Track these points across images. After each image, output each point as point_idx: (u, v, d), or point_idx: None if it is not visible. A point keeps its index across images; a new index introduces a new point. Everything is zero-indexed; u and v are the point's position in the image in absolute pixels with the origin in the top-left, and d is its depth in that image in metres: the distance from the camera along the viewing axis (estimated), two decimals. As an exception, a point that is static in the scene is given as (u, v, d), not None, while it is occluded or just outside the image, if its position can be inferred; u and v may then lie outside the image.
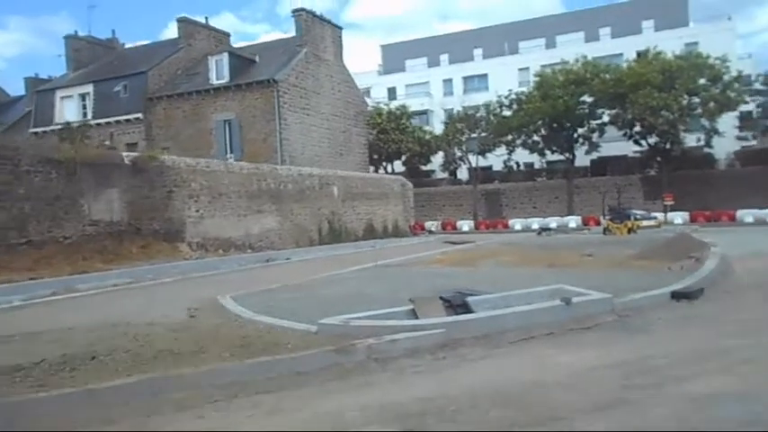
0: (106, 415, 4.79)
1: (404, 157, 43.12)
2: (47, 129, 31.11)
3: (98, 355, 6.19)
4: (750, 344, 6.80)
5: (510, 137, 39.04)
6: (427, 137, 43.18)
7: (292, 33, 27.96)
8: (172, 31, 47.03)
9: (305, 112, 27.26)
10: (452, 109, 43.08)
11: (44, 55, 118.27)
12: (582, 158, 42.24)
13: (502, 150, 41.29)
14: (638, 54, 37.12)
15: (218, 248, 17.99)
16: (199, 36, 31.08)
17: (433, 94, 51.52)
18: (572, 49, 43.05)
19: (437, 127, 45.24)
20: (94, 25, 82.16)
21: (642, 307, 8.99)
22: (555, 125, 37.41)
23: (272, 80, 25.53)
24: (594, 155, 43.00)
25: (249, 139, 26.15)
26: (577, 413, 4.56)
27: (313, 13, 28.06)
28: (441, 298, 7.97)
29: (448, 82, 51.80)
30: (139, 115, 28.91)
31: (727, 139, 36.99)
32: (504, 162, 42.65)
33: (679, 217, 33.37)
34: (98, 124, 30.23)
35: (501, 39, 50.47)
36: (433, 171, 47.35)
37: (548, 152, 40.00)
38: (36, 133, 31.88)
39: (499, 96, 40.89)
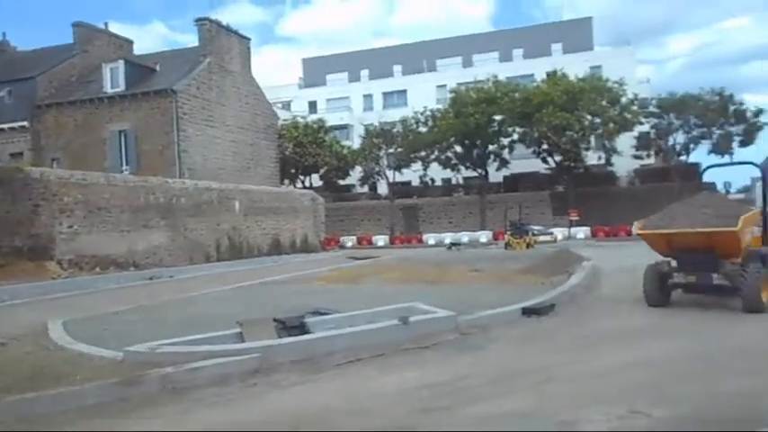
0: None
1: (321, 171, 42.72)
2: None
3: None
4: (569, 360, 6.86)
5: (424, 153, 39.53)
6: (345, 151, 43.05)
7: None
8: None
9: (208, 123, 26.38)
10: (371, 124, 43.20)
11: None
12: (496, 175, 43.45)
13: (420, 166, 41.83)
14: (548, 75, 38.68)
15: (96, 266, 16.86)
16: (97, 42, 29.55)
17: (353, 108, 51.62)
18: (487, 68, 44.35)
19: (357, 141, 45.26)
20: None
21: (490, 324, 9.00)
22: (467, 142, 38.25)
23: (170, 90, 24.54)
24: (507, 172, 44.37)
25: (145, 150, 24.96)
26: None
27: (218, 23, 27.35)
28: (275, 319, 7.60)
29: (368, 97, 52.10)
30: (25, 123, 27.00)
31: (628, 158, 39.07)
32: (421, 177, 43.18)
33: (581, 232, 34.77)
34: (-23, 132, 27.92)
35: (420, 56, 51.39)
36: (353, 185, 47.23)
37: (461, 168, 40.81)
38: None
39: (415, 113, 41.43)
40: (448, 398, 5.44)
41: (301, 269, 19.45)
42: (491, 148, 38.85)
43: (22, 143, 27.02)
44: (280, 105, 53.17)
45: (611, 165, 38.76)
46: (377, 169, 43.12)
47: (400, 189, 46.38)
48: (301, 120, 43.10)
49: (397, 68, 52.52)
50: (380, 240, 38.97)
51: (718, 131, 35.72)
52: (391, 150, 41.36)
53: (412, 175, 44.07)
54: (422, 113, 40.77)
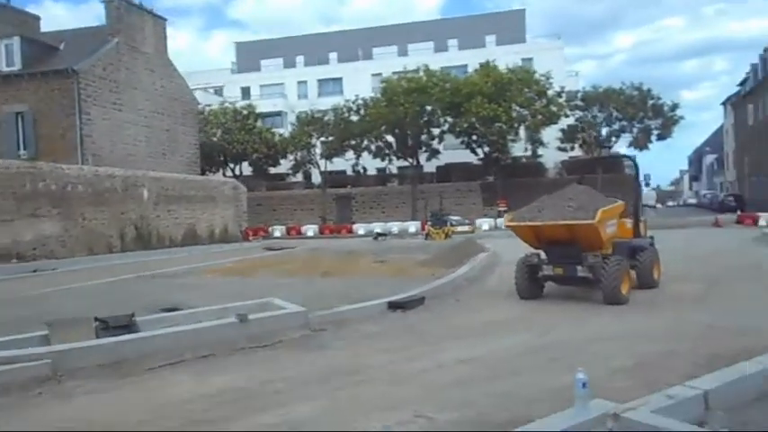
0: None
1: (250, 159, 41.59)
2: None
3: None
4: (404, 358, 6.60)
5: (355, 141, 39.07)
6: (276, 139, 42.04)
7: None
8: None
9: (116, 107, 25.01)
10: (304, 112, 42.34)
11: None
12: (431, 165, 43.56)
13: (353, 155, 41.38)
14: (481, 66, 38.79)
15: (-30, 258, 15.63)
16: (-4, 17, 27.47)
17: (287, 95, 50.51)
18: (422, 58, 44.15)
19: (291, 129, 44.32)
20: None
21: (350, 319, 8.72)
22: (397, 131, 38.02)
23: (71, 70, 23.04)
24: (441, 162, 44.50)
25: (45, 134, 23.41)
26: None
27: (128, 1, 25.88)
28: (96, 319, 7.01)
29: (303, 84, 51.10)
30: None
31: (557, 150, 39.74)
32: (353, 167, 42.75)
33: (507, 222, 35.16)
34: None
35: (356, 44, 50.71)
36: (287, 174, 46.30)
37: (393, 158, 40.63)
38: None
39: (346, 101, 40.85)
40: (235, 406, 5.06)
41: (204, 260, 18.72)
42: (422, 138, 38.71)
43: None
44: (212, 90, 51.55)
45: (537, 156, 39.41)
46: (309, 158, 42.36)
47: (334, 178, 45.83)
48: (230, 105, 41.74)
49: (333, 56, 51.69)
50: (310, 230, 38.35)
51: (638, 125, 36.83)
52: (323, 139, 40.68)
53: (347, 164, 43.60)
54: (353, 102, 40.24)
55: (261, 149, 40.57)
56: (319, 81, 50.97)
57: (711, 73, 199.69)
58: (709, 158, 75.51)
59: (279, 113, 48.82)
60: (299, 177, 47.76)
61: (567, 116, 37.59)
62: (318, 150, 41.75)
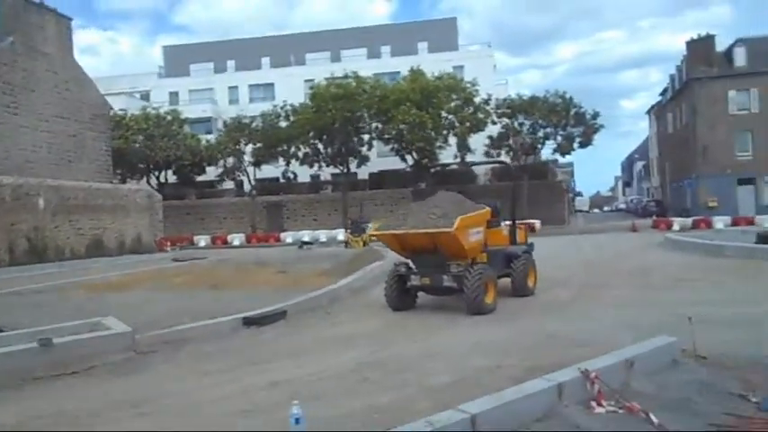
0: None
1: (174, 167, 40.11)
2: None
3: None
4: (205, 384, 6.06)
5: (283, 148, 38.28)
6: (203, 145, 40.71)
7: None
8: None
9: (11, 111, 23.40)
10: (233, 117, 41.16)
11: None
12: (364, 172, 43.24)
13: (283, 162, 40.56)
14: (409, 73, 38.68)
15: None
16: None
17: (217, 101, 49.15)
18: (355, 64, 43.89)
19: (217, 135, 43.04)
20: None
21: (193, 338, 8.12)
22: (325, 137, 37.49)
23: (-44, 71, 21.45)
24: (375, 169, 44.24)
25: (-73, 140, 21.67)
26: None
27: (27, -1, 24.36)
28: None
29: (234, 89, 49.85)
30: None
31: (486, 157, 40.02)
32: (283, 174, 41.96)
33: (435, 228, 35.12)
34: None
35: (289, 49, 49.96)
36: (217, 181, 44.93)
37: (323, 165, 40.07)
38: None
39: (274, 106, 40.06)
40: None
41: (96, 274, 17.60)
42: (351, 144, 38.30)
43: None
44: (138, 95, 49.64)
45: (465, 163, 39.63)
46: (238, 165, 41.24)
47: (266, 186, 44.84)
48: (153, 110, 40.18)
49: (266, 61, 50.72)
50: (236, 239, 37.23)
51: (561, 132, 37.63)
52: (251, 146, 39.70)
53: (278, 171, 42.73)
54: (282, 108, 39.47)
55: (185, 156, 39.16)
56: (251, 86, 49.85)
57: (647, 83, 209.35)
58: (639, 165, 78.49)
59: (208, 119, 47.44)
60: (231, 185, 46.52)
61: (494, 123, 37.99)
62: (248, 157, 40.69)
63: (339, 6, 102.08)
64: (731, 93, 38.30)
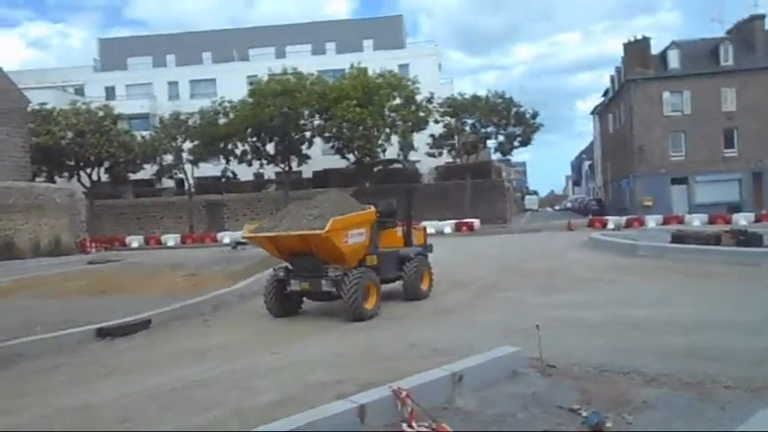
0: None
1: (107, 164, 38.34)
2: None
3: None
4: (21, 407, 5.40)
5: (221, 145, 37.14)
6: (138, 141, 39.06)
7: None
8: None
9: None
10: (174, 113, 39.67)
11: None
12: (309, 171, 42.52)
13: (233, 160, 39.36)
14: (350, 70, 38.09)
15: None
16: None
17: (156, 96, 47.44)
18: (300, 61, 43.04)
19: (152, 132, 41.45)
20: None
21: (35, 352, 7.38)
22: (264, 135, 36.58)
23: None
24: (321, 167, 43.52)
25: None
26: None
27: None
28: None
29: (174, 85, 48.19)
30: None
31: (431, 156, 39.81)
32: (222, 172, 40.81)
33: (376, 228, 34.70)
34: None
35: (232, 44, 48.68)
36: (155, 179, 43.34)
37: (263, 162, 39.14)
38: None
39: (213, 102, 38.86)
40: None
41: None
42: (290, 142, 37.48)
43: None
44: (71, 90, 47.50)
45: (407, 161, 39.38)
46: (176, 162, 39.81)
47: (207, 184, 43.56)
48: (83, 105, 38.33)
49: (207, 56, 49.25)
50: (171, 240, 35.94)
51: (502, 132, 37.79)
52: (188, 143, 38.38)
53: (220, 169, 41.47)
54: (220, 104, 38.32)
55: (119, 154, 37.48)
56: (191, 82, 48.28)
57: (600, 85, 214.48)
58: (586, 165, 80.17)
59: (146, 115, 45.70)
60: (171, 183, 44.97)
61: (437, 122, 37.80)
62: (187, 155, 39.34)
63: (297, 4, 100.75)
64: (665, 94, 39.26)
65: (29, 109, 30.52)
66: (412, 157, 40.70)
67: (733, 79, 38.38)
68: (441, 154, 37.89)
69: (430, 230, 33.61)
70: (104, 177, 40.23)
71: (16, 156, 26.91)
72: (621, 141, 44.28)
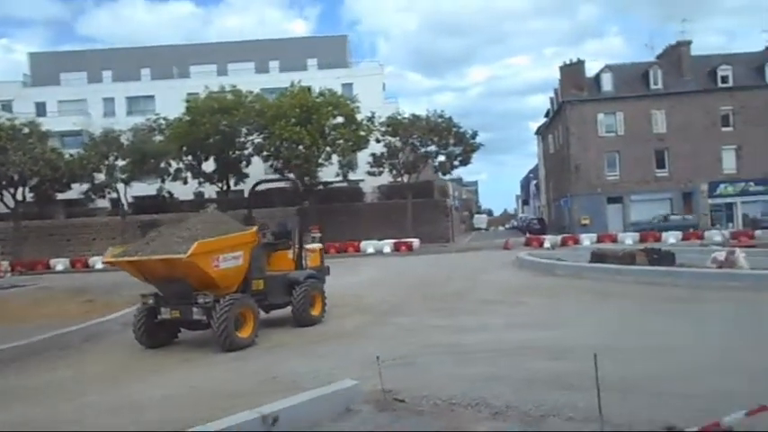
0: None
1: (31, 183, 36.37)
2: None
3: None
4: None
5: (154, 163, 35.85)
6: (65, 160, 37.26)
7: None
8: None
9: None
10: (105, 130, 38.08)
11: None
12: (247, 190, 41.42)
13: (168, 178, 38.06)
14: (289, 88, 37.58)
15: None
16: None
17: (91, 113, 45.63)
18: (243, 79, 42.21)
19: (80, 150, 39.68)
20: None
21: None
22: (198, 152, 35.56)
23: None
24: (263, 187, 42.48)
25: None
26: None
27: None
28: None
29: (109, 101, 46.52)
30: None
31: (372, 176, 39.46)
32: (158, 191, 39.39)
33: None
34: None
35: (172, 60, 47.48)
36: (84, 199, 41.36)
37: (202, 181, 38.04)
38: None
39: (147, 119, 37.64)
40: None
41: None
42: (227, 160, 36.55)
43: None
44: (-2, 105, 45.17)
45: (348, 181, 39.07)
46: (107, 182, 38.14)
47: (144, 204, 41.94)
48: (7, 122, 36.40)
49: (146, 72, 47.87)
50: (98, 262, 34.19)
51: (443, 152, 37.92)
52: (120, 161, 36.89)
53: (160, 188, 39.95)
54: (155, 121, 37.12)
55: (44, 172, 35.65)
56: (128, 99, 46.69)
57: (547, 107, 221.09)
58: (533, 184, 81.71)
59: (79, 133, 43.79)
60: (106, 203, 43.08)
61: (378, 141, 37.61)
62: (119, 173, 37.78)
63: (257, 23, 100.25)
64: (600, 115, 40.36)
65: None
66: (354, 176, 40.41)
67: (662, 102, 39.83)
68: (381, 173, 37.65)
69: (369, 250, 33.78)
70: (30, 197, 38.22)
71: None
72: (561, 161, 45.20)
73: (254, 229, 8.95)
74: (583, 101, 40.44)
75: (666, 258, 16.19)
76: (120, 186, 38.06)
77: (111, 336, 10.02)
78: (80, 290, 17.71)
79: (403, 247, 33.33)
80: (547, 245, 32.38)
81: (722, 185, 39.67)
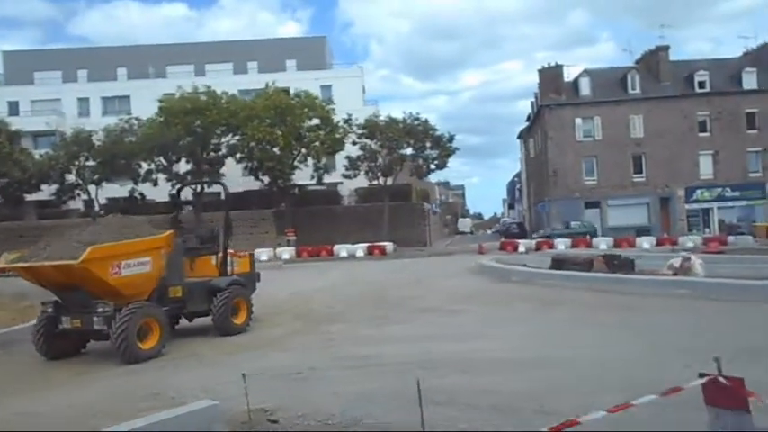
0: None
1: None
2: None
3: None
4: None
5: (124, 164, 35.24)
6: (34, 161, 36.58)
7: None
8: None
9: None
10: (76, 130, 37.41)
11: None
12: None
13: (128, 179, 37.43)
14: (264, 90, 37.10)
15: None
16: None
17: (65, 113, 44.90)
18: (221, 80, 41.73)
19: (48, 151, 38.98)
20: None
21: None
22: (170, 154, 35.00)
23: None
24: (241, 188, 41.97)
25: None
26: None
27: None
28: None
29: (84, 101, 45.82)
30: None
31: (348, 179, 39.04)
32: (130, 193, 38.76)
33: (287, 252, 33.58)
34: None
35: (148, 61, 46.87)
36: (55, 201, 40.62)
37: (175, 182, 37.36)
38: None
39: (120, 119, 37.06)
40: None
41: None
42: (197, 161, 36.00)
43: None
44: (-31, 104, 44.43)
45: (326, 184, 38.66)
46: (78, 183, 37.50)
47: (120, 206, 41.23)
48: (-25, 122, 35.75)
49: (122, 72, 47.24)
50: (66, 265, 33.52)
51: (420, 155, 37.57)
52: (91, 162, 36.28)
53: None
54: (126, 121, 36.54)
55: (12, 172, 34.98)
56: (104, 99, 46.01)
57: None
58: (517, 188, 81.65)
59: (52, 133, 43.07)
60: (80, 205, 42.36)
61: (354, 144, 37.19)
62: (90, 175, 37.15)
63: (248, 25, 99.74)
64: (578, 120, 40.20)
65: None
66: (332, 179, 40.00)
67: (640, 107, 39.74)
68: (356, 176, 37.22)
69: (342, 254, 33.31)
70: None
71: None
72: (540, 165, 45.03)
73: (167, 233, 8.52)
74: (561, 105, 40.28)
75: (625, 265, 15.94)
76: (92, 188, 37.45)
77: (19, 345, 9.52)
78: (23, 295, 17.13)
79: (376, 251, 32.89)
80: (521, 249, 32.13)
81: (699, 191, 39.63)
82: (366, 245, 33.67)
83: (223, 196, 12.76)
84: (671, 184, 39.52)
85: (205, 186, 37.99)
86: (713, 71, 39.82)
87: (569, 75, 41.89)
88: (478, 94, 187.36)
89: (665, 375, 5.43)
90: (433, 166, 37.94)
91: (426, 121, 37.04)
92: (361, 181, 39.89)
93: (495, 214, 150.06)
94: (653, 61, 41.17)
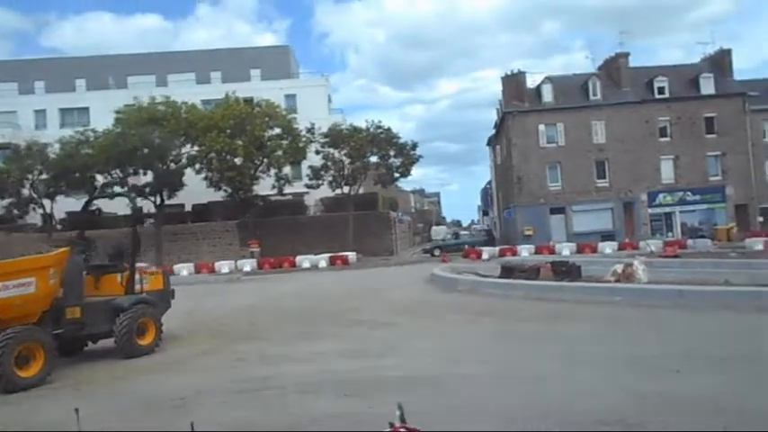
0: None
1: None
2: None
3: None
4: None
5: (78, 176, 34.29)
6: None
7: None
8: None
9: None
10: (29, 143, 36.34)
11: None
12: (190, 203, 40.23)
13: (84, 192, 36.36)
14: (245, 100, 36.50)
15: None
16: None
17: (21, 125, 43.70)
18: (184, 89, 41.06)
19: None
20: None
21: None
22: (126, 165, 34.15)
23: None
24: (205, 200, 41.20)
25: None
26: None
27: None
28: None
29: (41, 113, 44.66)
30: None
31: (310, 188, 38.51)
32: (84, 206, 37.58)
33: (248, 264, 32.95)
34: None
35: (108, 71, 45.92)
36: (8, 215, 39.34)
37: (133, 195, 36.39)
38: None
39: (75, 131, 36.10)
40: None
41: None
42: (157, 173, 35.20)
43: None
44: None
45: (291, 194, 38.13)
46: (31, 197, 36.36)
47: (80, 220, 40.04)
48: None
49: (81, 83, 46.18)
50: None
51: (384, 163, 37.26)
52: (44, 176, 35.24)
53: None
54: (82, 133, 35.60)
55: (-40, 187, 33.84)
56: (62, 110, 44.90)
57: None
58: (490, 194, 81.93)
59: (7, 146, 41.83)
60: (37, 219, 41.09)
61: (318, 153, 36.73)
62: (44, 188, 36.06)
63: (225, 36, 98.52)
64: (541, 126, 40.31)
65: None
66: (296, 189, 39.45)
67: (602, 112, 40.02)
68: (319, 186, 36.75)
69: (305, 265, 32.73)
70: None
71: None
72: (506, 172, 45.06)
73: (58, 251, 8.00)
74: (524, 112, 40.37)
75: (572, 272, 15.76)
76: (47, 202, 36.39)
77: None
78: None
79: (339, 262, 32.46)
80: (485, 256, 32.02)
81: (661, 195, 39.97)
82: (329, 255, 33.19)
83: (130, 210, 12.21)
84: (634, 188, 39.79)
85: (165, 198, 37.19)
86: (672, 77, 40.32)
87: (533, 82, 42.19)
88: (455, 102, 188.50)
89: (556, 394, 5.12)
90: (397, 174, 37.67)
91: (389, 129, 36.81)
92: (324, 191, 39.46)
93: (473, 221, 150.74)
94: (613, 67, 41.56)
